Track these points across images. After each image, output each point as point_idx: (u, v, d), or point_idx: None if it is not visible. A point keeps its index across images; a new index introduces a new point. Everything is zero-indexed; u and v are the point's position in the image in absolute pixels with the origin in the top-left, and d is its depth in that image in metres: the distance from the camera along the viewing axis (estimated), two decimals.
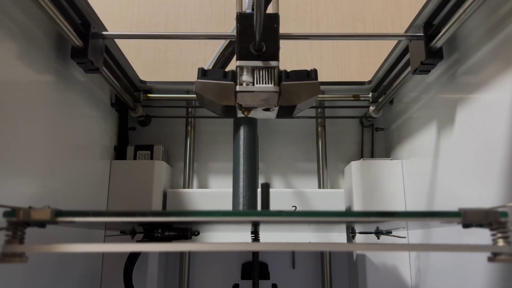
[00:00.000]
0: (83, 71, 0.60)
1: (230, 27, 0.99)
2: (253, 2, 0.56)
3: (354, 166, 0.77)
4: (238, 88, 0.51)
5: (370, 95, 0.82)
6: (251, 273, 0.65)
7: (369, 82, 0.81)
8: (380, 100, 0.79)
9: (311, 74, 0.53)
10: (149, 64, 1.01)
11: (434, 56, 0.57)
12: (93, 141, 0.70)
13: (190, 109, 0.87)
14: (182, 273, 0.79)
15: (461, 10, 0.49)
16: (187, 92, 0.84)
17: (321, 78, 0.98)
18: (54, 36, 0.55)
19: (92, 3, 0.55)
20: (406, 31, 0.62)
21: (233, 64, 0.73)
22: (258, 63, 0.52)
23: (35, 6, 0.47)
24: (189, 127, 0.87)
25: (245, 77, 0.51)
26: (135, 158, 0.79)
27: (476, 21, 0.52)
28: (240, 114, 0.56)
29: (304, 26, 1.05)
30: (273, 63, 0.52)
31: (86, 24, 0.57)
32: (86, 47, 0.56)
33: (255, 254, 0.62)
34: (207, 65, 0.77)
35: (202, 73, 0.53)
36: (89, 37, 0.56)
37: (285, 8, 1.05)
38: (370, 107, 0.82)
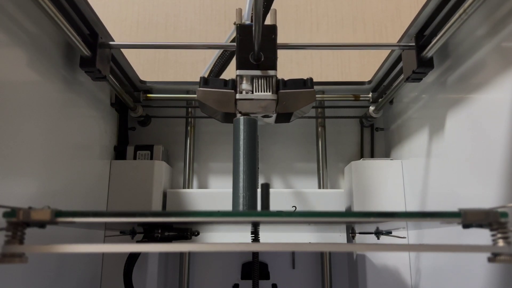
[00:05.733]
0: (83, 72, 0.61)
1: (230, 27, 0.99)
2: (252, 14, 0.57)
3: (354, 166, 0.77)
4: (238, 96, 0.54)
5: (370, 95, 0.82)
6: (251, 273, 0.65)
7: (369, 82, 0.81)
8: (380, 100, 0.79)
9: (307, 83, 0.56)
10: (149, 64, 1.01)
11: (425, 65, 0.59)
12: (93, 141, 0.70)
13: (190, 109, 0.87)
14: (182, 273, 0.79)
15: (451, 22, 0.50)
16: (187, 92, 0.84)
17: (321, 78, 0.99)
18: (60, 42, 0.57)
19: (92, 3, 0.55)
20: (400, 40, 0.63)
21: (229, 71, 0.74)
22: (257, 72, 0.54)
23: (46, 18, 0.49)
24: (189, 127, 0.87)
25: (245, 85, 0.54)
26: (135, 158, 0.79)
27: (467, 30, 0.53)
28: None
29: (304, 26, 1.05)
30: (271, 72, 0.54)
31: (94, 35, 0.59)
32: (94, 56, 0.58)
33: (255, 254, 0.62)
34: (205, 69, 0.78)
35: (204, 81, 0.55)
36: (97, 47, 0.59)
37: (285, 8, 1.05)
38: (370, 107, 0.82)
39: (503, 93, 0.46)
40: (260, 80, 0.54)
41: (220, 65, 0.75)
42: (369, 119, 0.86)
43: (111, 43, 0.62)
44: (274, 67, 0.55)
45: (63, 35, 0.53)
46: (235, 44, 0.56)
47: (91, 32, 0.59)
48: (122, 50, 0.69)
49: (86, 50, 0.57)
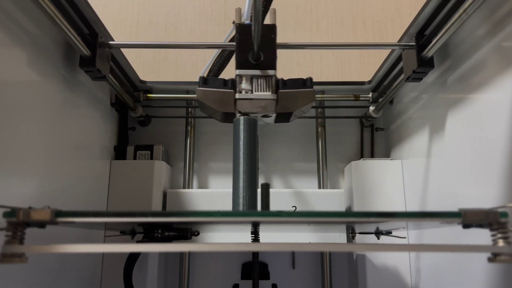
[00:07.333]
0: (83, 72, 0.61)
1: (230, 27, 0.99)
2: (251, 14, 0.57)
3: (354, 166, 0.77)
4: (237, 95, 0.54)
5: (370, 95, 0.82)
6: (251, 273, 0.65)
7: (369, 82, 0.81)
8: (380, 100, 0.79)
9: (307, 83, 0.56)
10: (149, 64, 1.01)
11: (425, 65, 0.59)
12: (93, 141, 0.70)
13: (190, 109, 0.87)
14: (182, 273, 0.79)
15: (451, 21, 0.50)
16: (187, 92, 0.84)
17: (321, 78, 0.99)
18: (60, 42, 0.57)
19: (92, 3, 0.55)
20: (400, 40, 0.63)
21: (228, 70, 0.74)
22: (257, 72, 0.54)
23: (46, 18, 0.48)
24: (189, 127, 0.87)
25: (244, 85, 0.54)
26: (135, 158, 0.79)
27: (467, 30, 0.53)
28: None
29: (303, 27, 1.05)
30: (270, 72, 0.54)
31: (94, 34, 0.59)
32: (94, 56, 0.59)
33: (255, 254, 0.62)
34: (204, 69, 0.78)
35: (203, 81, 0.55)
36: (97, 47, 0.59)
37: (285, 8, 1.05)
38: (370, 107, 0.82)
39: (503, 93, 0.46)
40: (259, 80, 0.54)
41: (219, 64, 0.75)
42: (369, 119, 0.86)
43: (110, 42, 0.62)
44: (273, 67, 0.55)
45: (63, 35, 0.53)
46: (234, 43, 0.56)
47: (91, 31, 0.59)
48: (122, 50, 0.69)
49: (85, 49, 0.57)
